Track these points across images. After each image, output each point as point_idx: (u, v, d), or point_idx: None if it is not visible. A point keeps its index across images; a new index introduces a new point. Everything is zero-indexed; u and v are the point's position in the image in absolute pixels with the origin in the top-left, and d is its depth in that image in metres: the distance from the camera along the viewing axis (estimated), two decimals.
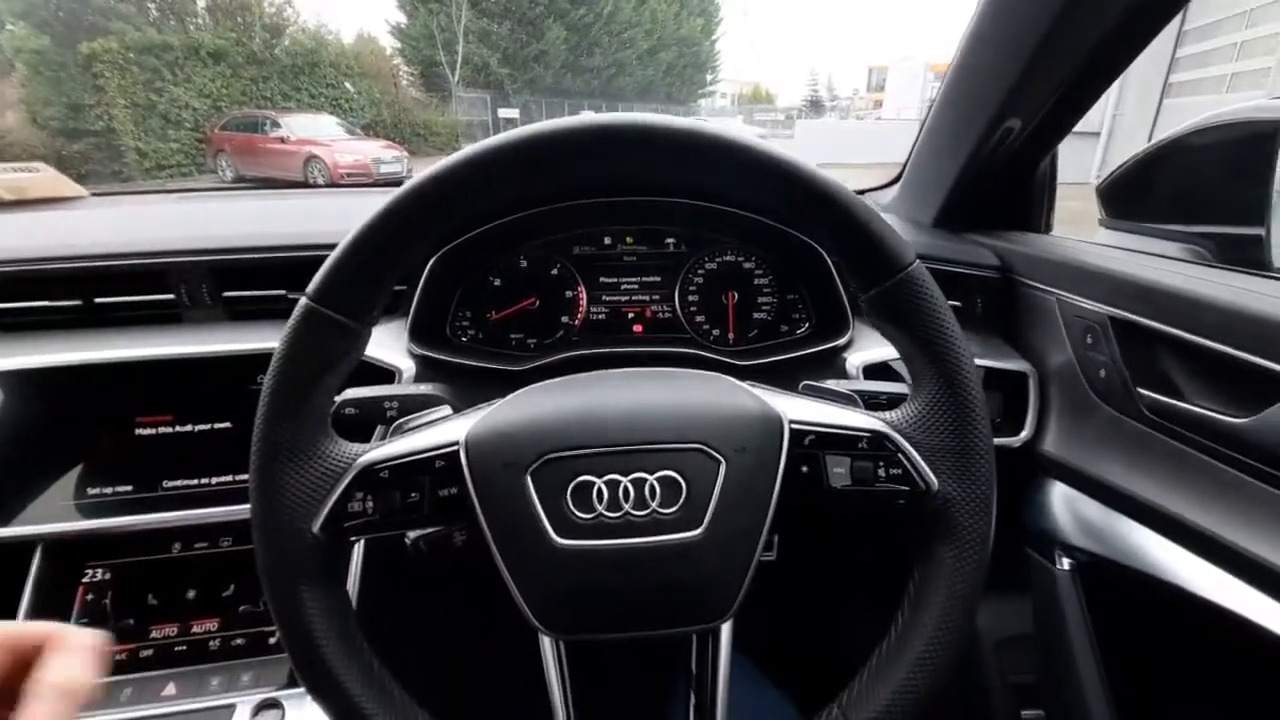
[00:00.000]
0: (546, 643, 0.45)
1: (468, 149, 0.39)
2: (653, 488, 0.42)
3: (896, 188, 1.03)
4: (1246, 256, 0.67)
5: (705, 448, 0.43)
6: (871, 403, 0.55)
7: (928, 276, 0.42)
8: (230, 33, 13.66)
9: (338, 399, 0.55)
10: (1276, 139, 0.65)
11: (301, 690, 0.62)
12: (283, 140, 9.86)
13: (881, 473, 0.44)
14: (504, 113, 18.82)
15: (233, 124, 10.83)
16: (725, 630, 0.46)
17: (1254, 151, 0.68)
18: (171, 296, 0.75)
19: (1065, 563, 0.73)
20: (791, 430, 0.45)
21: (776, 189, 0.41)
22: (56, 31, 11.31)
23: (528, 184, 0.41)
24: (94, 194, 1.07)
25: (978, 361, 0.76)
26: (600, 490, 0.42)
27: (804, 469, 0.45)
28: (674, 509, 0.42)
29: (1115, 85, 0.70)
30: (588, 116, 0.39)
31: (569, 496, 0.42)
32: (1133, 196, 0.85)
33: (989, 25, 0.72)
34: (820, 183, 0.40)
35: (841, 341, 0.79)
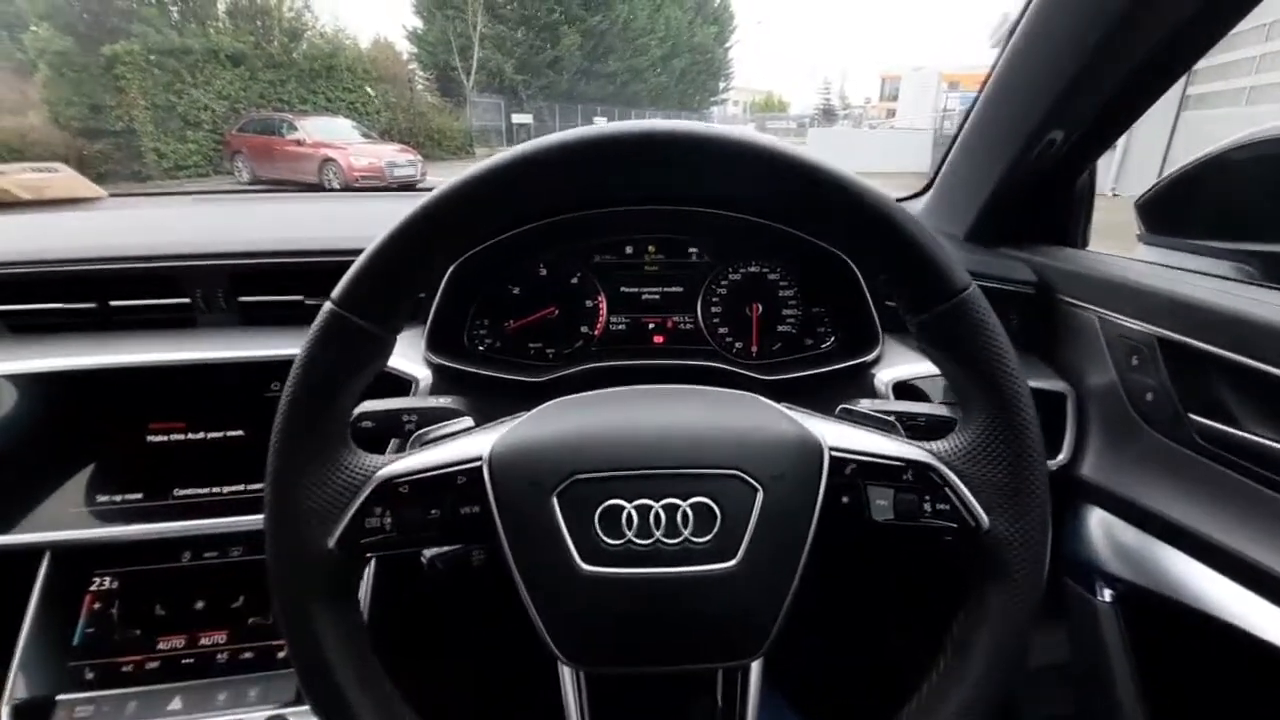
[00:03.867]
0: (566, 673, 0.44)
1: (509, 150, 0.37)
2: (685, 515, 0.40)
3: (925, 199, 1.00)
4: None
5: (742, 474, 0.41)
6: (910, 425, 0.53)
7: (984, 302, 0.40)
8: (249, 36, 13.91)
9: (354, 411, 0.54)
10: None
11: (308, 708, 0.61)
12: (299, 143, 9.98)
13: (927, 507, 0.42)
14: (518, 118, 18.98)
15: (250, 126, 10.99)
16: (755, 667, 0.43)
17: None
18: (187, 301, 0.74)
19: (1106, 594, 0.70)
20: (832, 458, 0.42)
21: (828, 206, 0.39)
22: (79, 33, 11.58)
23: (565, 190, 0.40)
24: (112, 195, 1.06)
25: None
26: (630, 515, 0.39)
27: (844, 499, 0.42)
28: (707, 538, 0.40)
29: None
30: (637, 123, 0.37)
31: (597, 521, 0.40)
32: (1174, 212, 0.83)
33: (1036, 34, 0.70)
34: (874, 200, 0.38)
35: (870, 358, 0.76)
